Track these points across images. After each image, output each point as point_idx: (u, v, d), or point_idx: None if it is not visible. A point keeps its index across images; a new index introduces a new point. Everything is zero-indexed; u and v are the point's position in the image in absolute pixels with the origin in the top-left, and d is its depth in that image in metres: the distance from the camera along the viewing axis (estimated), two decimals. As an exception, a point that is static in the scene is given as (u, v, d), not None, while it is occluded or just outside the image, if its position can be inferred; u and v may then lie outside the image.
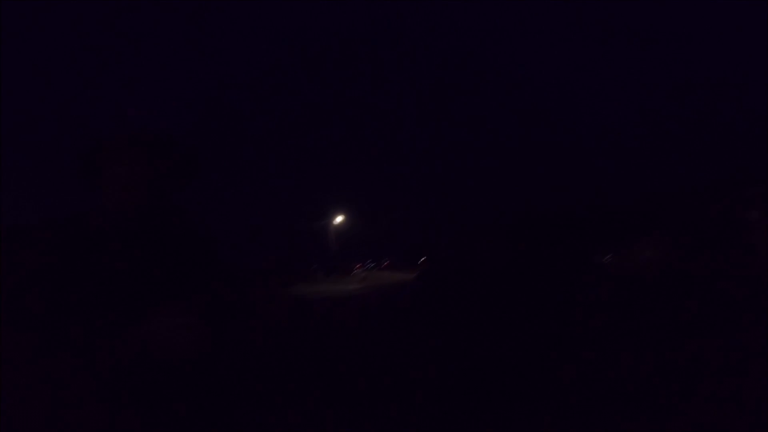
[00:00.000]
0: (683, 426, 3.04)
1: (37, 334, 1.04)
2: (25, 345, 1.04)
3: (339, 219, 41.30)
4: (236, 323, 1.25)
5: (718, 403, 3.22)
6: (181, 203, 1.31)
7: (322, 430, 3.50)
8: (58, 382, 1.03)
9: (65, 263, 1.10)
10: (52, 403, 1.03)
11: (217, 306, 1.19)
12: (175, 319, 1.07)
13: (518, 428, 3.27)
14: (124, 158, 1.20)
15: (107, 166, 1.21)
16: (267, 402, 3.93)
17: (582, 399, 3.61)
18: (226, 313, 1.23)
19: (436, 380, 4.50)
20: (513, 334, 6.70)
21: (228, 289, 1.28)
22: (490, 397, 3.88)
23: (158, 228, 1.21)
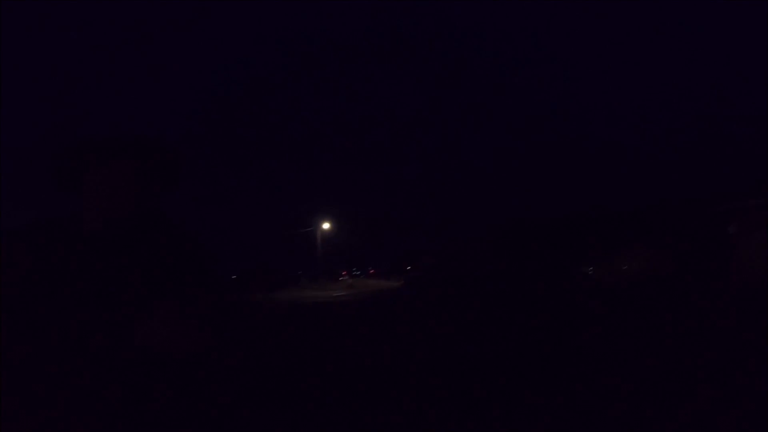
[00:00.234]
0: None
1: (20, 338, 1.04)
2: (10, 348, 1.04)
3: (326, 226, 41.24)
4: (221, 327, 1.25)
5: (701, 415, 3.28)
6: (165, 208, 1.28)
7: (313, 429, 3.50)
8: (44, 385, 1.03)
9: (44, 268, 1.09)
10: (41, 406, 1.03)
11: (202, 311, 1.19)
12: (157, 324, 1.07)
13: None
14: (103, 162, 1.18)
15: (86, 170, 1.18)
16: (255, 403, 3.92)
17: (565, 406, 3.64)
18: (211, 318, 1.23)
19: (421, 385, 4.51)
20: (498, 342, 6.76)
21: (212, 294, 1.28)
22: (476, 403, 3.90)
23: (139, 234, 1.19)
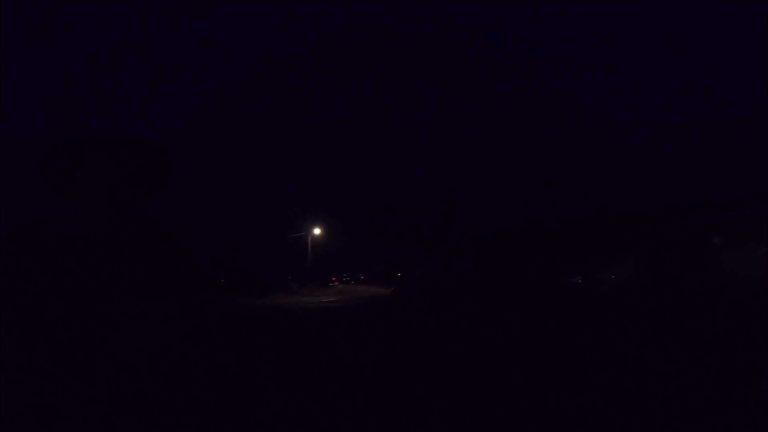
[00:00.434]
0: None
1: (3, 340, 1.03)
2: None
3: (316, 231, 41.12)
4: (204, 330, 1.25)
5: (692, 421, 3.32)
6: (152, 209, 1.26)
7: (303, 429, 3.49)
8: (31, 384, 1.03)
9: (29, 269, 1.08)
10: (30, 407, 1.02)
11: (185, 313, 1.19)
12: (140, 327, 1.06)
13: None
14: (88, 162, 1.15)
15: (71, 170, 1.16)
16: (237, 405, 3.89)
17: (550, 414, 3.66)
18: (194, 321, 1.23)
19: (408, 391, 4.51)
20: (486, 348, 6.78)
21: (196, 297, 1.27)
22: (461, 410, 3.92)
23: (123, 236, 1.16)
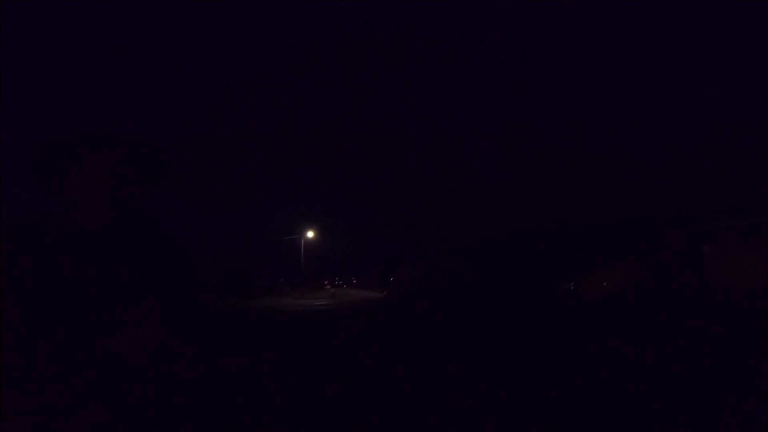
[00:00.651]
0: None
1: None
2: None
3: (310, 234, 41.02)
4: (204, 329, 1.25)
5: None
6: (148, 207, 1.24)
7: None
8: (23, 385, 1.03)
9: (23, 269, 1.07)
10: (29, 407, 1.02)
11: (180, 314, 1.19)
12: (135, 328, 1.06)
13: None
14: (84, 161, 1.13)
15: (67, 169, 1.14)
16: (241, 404, 3.89)
17: (549, 414, 3.68)
18: (193, 320, 1.23)
19: (401, 395, 4.52)
20: (476, 353, 6.80)
21: (191, 297, 1.27)
22: (463, 408, 3.93)
23: (117, 234, 1.15)
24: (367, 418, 3.68)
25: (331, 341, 9.02)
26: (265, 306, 22.07)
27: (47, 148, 1.17)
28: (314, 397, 4.32)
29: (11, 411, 1.01)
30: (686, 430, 3.14)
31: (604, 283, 14.28)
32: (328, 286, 56.56)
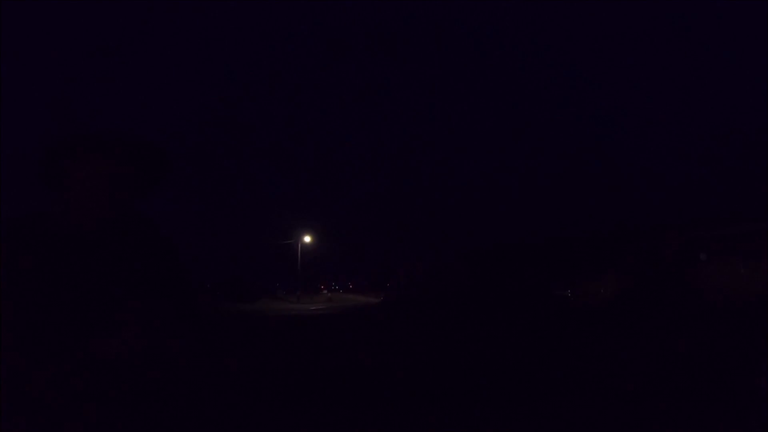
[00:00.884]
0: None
1: None
2: None
3: (306, 239, 40.99)
4: (200, 331, 1.24)
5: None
6: (146, 209, 1.25)
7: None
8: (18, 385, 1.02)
9: (21, 268, 1.07)
10: (28, 407, 1.01)
11: (175, 316, 1.18)
12: (131, 329, 1.06)
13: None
14: (84, 161, 1.14)
15: (67, 169, 1.15)
16: (239, 404, 3.88)
17: (549, 414, 3.68)
18: (189, 322, 1.23)
19: (401, 395, 4.51)
20: (475, 355, 6.81)
21: (187, 300, 1.26)
22: (462, 408, 3.93)
23: (115, 235, 1.16)
24: (367, 418, 3.68)
25: (331, 342, 9.02)
26: (255, 311, 21.86)
27: (47, 148, 1.17)
28: (314, 397, 4.32)
29: (11, 411, 1.01)
30: (686, 431, 3.14)
31: (601, 290, 14.31)
32: (325, 291, 56.55)
